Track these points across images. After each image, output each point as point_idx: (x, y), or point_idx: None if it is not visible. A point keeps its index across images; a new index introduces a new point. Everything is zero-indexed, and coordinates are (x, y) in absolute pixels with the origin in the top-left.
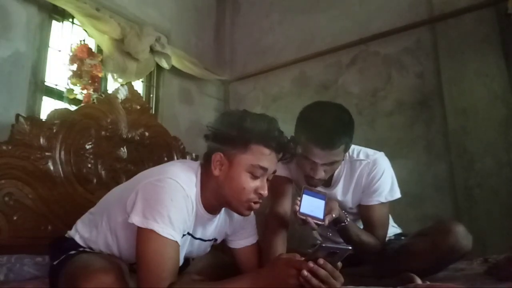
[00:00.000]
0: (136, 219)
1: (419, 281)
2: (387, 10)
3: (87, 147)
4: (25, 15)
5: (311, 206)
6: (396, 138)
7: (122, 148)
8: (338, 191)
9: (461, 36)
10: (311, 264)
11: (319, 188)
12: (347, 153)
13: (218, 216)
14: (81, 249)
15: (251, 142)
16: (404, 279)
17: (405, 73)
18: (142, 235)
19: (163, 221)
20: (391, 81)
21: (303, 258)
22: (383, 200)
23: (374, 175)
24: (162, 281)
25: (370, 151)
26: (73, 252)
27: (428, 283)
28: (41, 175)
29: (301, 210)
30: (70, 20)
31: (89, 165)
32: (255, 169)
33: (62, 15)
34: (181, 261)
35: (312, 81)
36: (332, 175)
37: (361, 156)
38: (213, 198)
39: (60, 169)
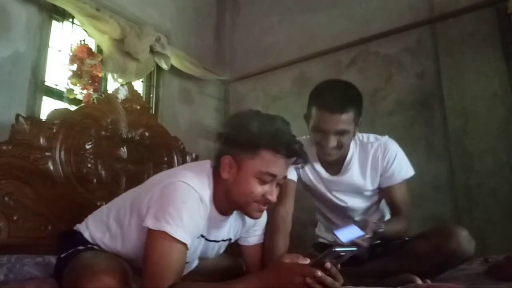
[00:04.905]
0: (149, 223)
1: (419, 281)
2: (387, 10)
3: (87, 147)
4: (25, 15)
5: (348, 235)
6: (396, 138)
7: (122, 148)
8: (353, 175)
9: (461, 36)
10: (318, 273)
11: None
12: (356, 137)
13: (230, 217)
14: (89, 245)
15: (260, 148)
16: (404, 279)
17: (405, 73)
18: (153, 236)
19: (175, 223)
20: (391, 81)
21: (308, 260)
22: (402, 179)
23: (389, 158)
24: (165, 280)
25: (377, 136)
26: (81, 247)
27: (428, 282)
28: (41, 175)
29: (343, 240)
30: (70, 20)
31: (89, 165)
32: (264, 176)
33: (62, 15)
34: (196, 263)
35: (312, 81)
36: (344, 160)
37: (371, 139)
38: (224, 200)
39: (60, 169)
